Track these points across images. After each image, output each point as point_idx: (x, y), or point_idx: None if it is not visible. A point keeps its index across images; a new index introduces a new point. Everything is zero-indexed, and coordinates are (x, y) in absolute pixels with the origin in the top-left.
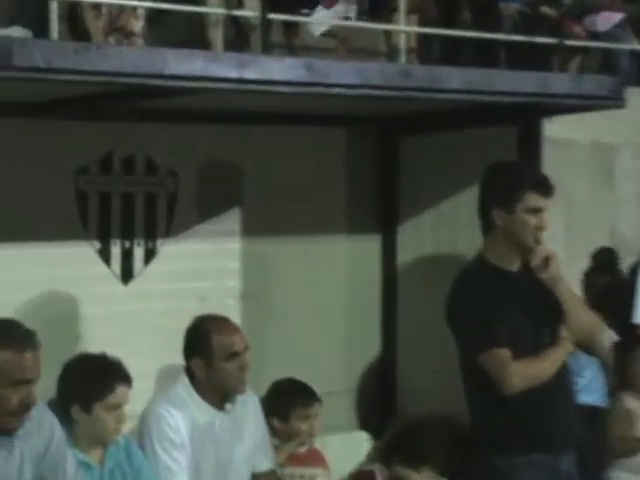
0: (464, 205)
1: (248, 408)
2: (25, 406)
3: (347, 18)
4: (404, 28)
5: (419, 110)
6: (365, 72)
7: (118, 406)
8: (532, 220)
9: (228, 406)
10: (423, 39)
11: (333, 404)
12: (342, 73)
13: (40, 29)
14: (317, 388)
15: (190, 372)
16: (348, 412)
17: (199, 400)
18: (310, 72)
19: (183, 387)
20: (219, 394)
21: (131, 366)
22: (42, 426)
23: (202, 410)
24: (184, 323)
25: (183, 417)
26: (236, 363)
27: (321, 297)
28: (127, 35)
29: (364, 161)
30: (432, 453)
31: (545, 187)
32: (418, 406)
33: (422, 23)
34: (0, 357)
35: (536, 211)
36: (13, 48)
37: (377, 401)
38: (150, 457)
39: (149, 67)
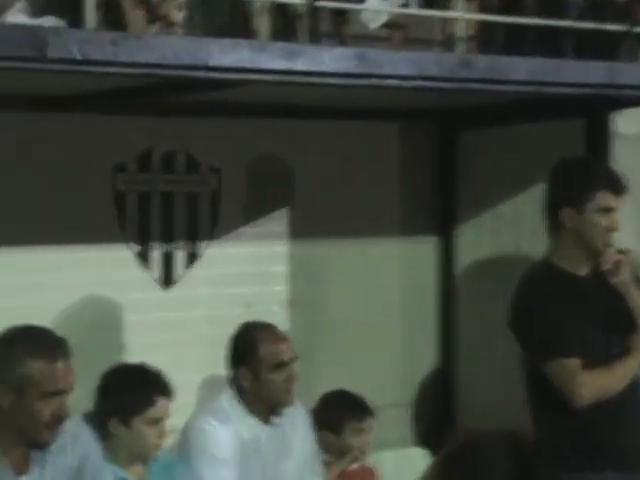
0: (528, 204)
1: (296, 422)
2: (58, 419)
3: (404, 5)
4: (464, 15)
5: (479, 103)
6: (421, 62)
7: (159, 420)
8: (603, 221)
9: (275, 419)
10: (483, 27)
11: (387, 418)
12: (397, 63)
13: (75, 18)
14: (370, 401)
15: (235, 383)
16: (403, 427)
17: (244, 413)
18: (362, 62)
19: (227, 399)
20: (265, 407)
21: (172, 377)
22: (77, 440)
23: (247, 424)
24: (228, 331)
25: (227, 431)
26: (283, 373)
27: (374, 303)
28: (168, 25)
29: (420, 158)
30: (493, 471)
31: (617, 185)
32: (478, 421)
33: (482, 10)
34: (31, 367)
35: (607, 211)
36: (47, 39)
37: (434, 415)
38: (192, 474)
39: (191, 58)
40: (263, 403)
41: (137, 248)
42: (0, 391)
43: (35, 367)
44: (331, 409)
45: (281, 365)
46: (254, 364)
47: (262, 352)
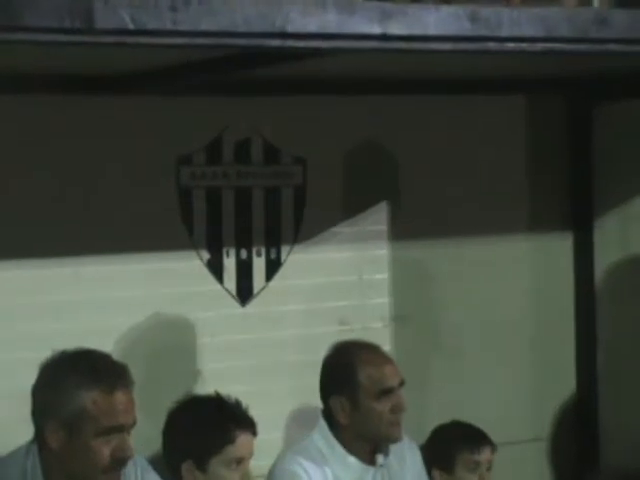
0: None
1: (405, 460)
2: (118, 461)
3: None
4: None
5: (618, 68)
6: (549, 21)
7: (240, 460)
8: None
9: (380, 458)
10: None
11: (518, 456)
12: (518, 23)
13: None
14: (496, 436)
15: (329, 416)
16: (537, 466)
17: (342, 452)
18: (476, 24)
19: (321, 435)
20: (368, 443)
21: (254, 410)
22: None
23: (346, 464)
24: (320, 354)
25: (323, 474)
26: (388, 402)
27: (497, 317)
28: None
29: (548, 138)
30: None
31: None
32: (625, 458)
33: None
34: (85, 399)
35: None
36: (94, 7)
37: (573, 452)
38: None
39: (266, 24)
40: (365, 439)
41: (207, 256)
42: (49, 428)
43: (90, 399)
44: (441, 443)
45: (386, 392)
46: (353, 392)
47: (362, 377)
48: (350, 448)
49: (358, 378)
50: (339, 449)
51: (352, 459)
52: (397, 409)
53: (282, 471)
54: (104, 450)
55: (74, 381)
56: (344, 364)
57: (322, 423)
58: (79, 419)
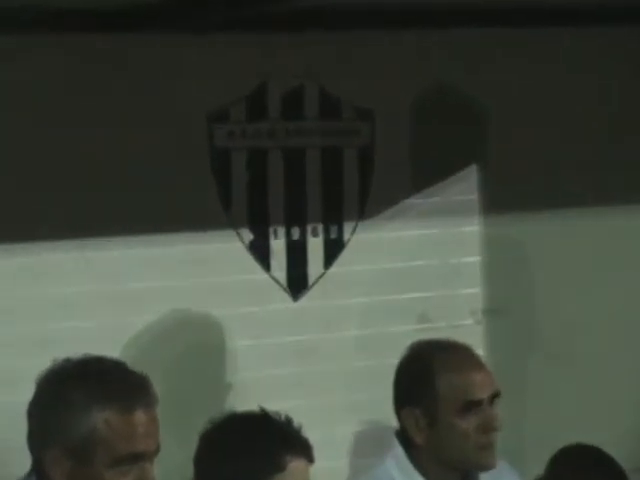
0: None
1: None
2: None
3: None
4: None
5: None
6: None
7: None
8: None
9: None
10: None
11: None
12: None
13: None
14: (624, 462)
15: (405, 437)
16: None
17: None
18: None
19: (395, 462)
20: (452, 469)
21: (309, 430)
22: None
23: None
24: (393, 359)
25: None
26: (476, 419)
27: (619, 311)
28: None
29: None
30: None
31: None
32: None
33: None
34: (97, 419)
35: None
36: None
37: None
38: None
39: None
40: (447, 465)
41: (250, 237)
42: (51, 457)
43: (103, 420)
44: (564, 473)
45: (472, 406)
46: (430, 404)
47: (442, 386)
48: (430, 475)
49: (437, 386)
50: (417, 477)
51: None
52: (488, 428)
53: None
54: None
55: (82, 398)
56: (420, 369)
57: (396, 446)
58: (89, 445)
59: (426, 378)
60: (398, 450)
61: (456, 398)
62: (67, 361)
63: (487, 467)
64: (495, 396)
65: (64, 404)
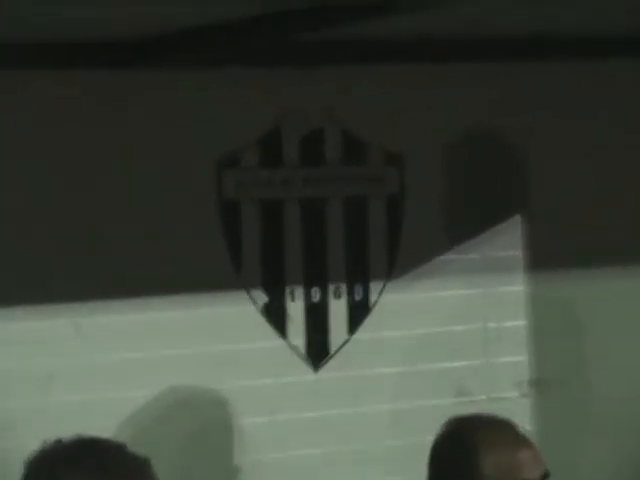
0: None
1: None
2: None
3: None
4: None
5: None
6: None
7: None
8: None
9: None
10: None
11: None
12: None
13: None
14: None
15: None
16: None
17: None
18: None
19: None
20: None
21: None
22: None
23: None
24: (427, 436)
25: None
26: None
27: None
28: None
29: None
30: None
31: None
32: None
33: None
34: None
35: None
36: None
37: None
38: None
39: None
40: None
41: (264, 299)
42: None
43: None
44: None
45: None
46: None
47: (487, 467)
48: None
49: (480, 467)
50: None
51: None
52: None
53: None
54: None
55: None
56: (460, 447)
57: None
58: None
59: (467, 458)
60: None
61: (505, 479)
62: (58, 442)
63: None
64: (545, 477)
65: None
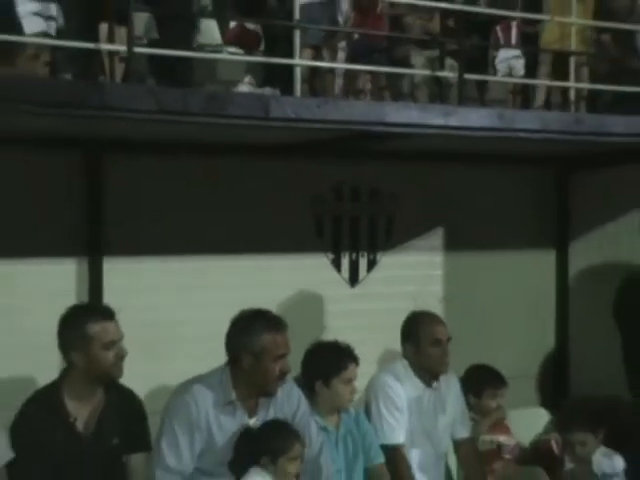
0: (626, 225)
1: (450, 386)
2: (284, 374)
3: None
4: (575, 84)
5: (588, 150)
6: (545, 120)
7: (350, 380)
8: None
9: (434, 383)
10: (591, 92)
11: (518, 386)
12: (527, 120)
13: (284, 88)
14: (505, 372)
15: (405, 355)
16: (530, 393)
17: (412, 376)
18: (501, 120)
19: (402, 365)
20: (427, 373)
21: (358, 350)
22: (290, 398)
23: (414, 385)
24: (399, 319)
25: (402, 387)
26: (440, 349)
27: (508, 300)
28: (357, 92)
29: (542, 190)
30: (601, 422)
31: None
32: (588, 389)
33: (592, 76)
34: (266, 338)
35: None
36: (270, 103)
37: (553, 385)
38: (375, 416)
39: (373, 116)
40: (425, 371)
41: (332, 257)
42: (243, 355)
43: (269, 338)
44: (474, 378)
45: (438, 342)
46: (417, 341)
47: (422, 332)
48: (417, 375)
49: (419, 331)
50: (411, 375)
51: (418, 381)
52: (444, 354)
53: (378, 381)
54: (276, 368)
55: (259, 327)
56: (412, 323)
57: (402, 359)
58: (263, 350)
59: (415, 327)
60: (404, 360)
61: (430, 338)
62: (248, 310)
63: (444, 372)
64: (449, 339)
65: (250, 330)
